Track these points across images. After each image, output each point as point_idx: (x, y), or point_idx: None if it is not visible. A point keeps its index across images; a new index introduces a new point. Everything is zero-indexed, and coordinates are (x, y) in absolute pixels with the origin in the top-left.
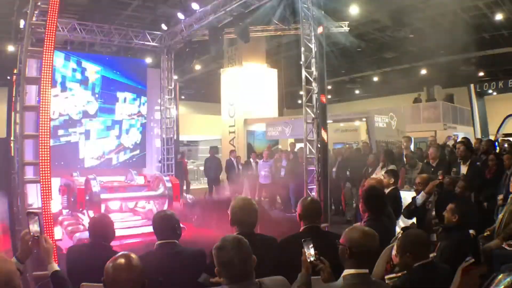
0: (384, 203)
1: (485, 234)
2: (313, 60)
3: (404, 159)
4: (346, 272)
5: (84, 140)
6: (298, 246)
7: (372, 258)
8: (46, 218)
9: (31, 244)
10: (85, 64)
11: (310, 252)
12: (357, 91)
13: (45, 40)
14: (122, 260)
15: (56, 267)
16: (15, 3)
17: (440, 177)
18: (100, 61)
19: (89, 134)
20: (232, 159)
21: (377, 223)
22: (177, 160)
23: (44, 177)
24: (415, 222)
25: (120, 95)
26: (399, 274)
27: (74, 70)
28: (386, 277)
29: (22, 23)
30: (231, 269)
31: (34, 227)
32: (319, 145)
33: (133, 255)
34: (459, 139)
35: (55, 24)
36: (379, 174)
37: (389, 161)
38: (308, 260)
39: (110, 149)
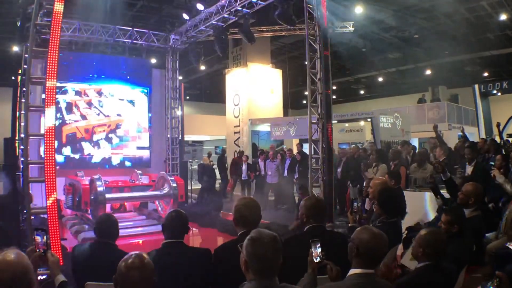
0: (398, 204)
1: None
2: (317, 61)
3: (409, 159)
4: (352, 271)
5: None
6: (301, 246)
7: (378, 259)
8: (51, 217)
9: (38, 260)
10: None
11: (317, 251)
12: (361, 92)
13: (50, 41)
14: (135, 260)
15: (62, 278)
16: (19, 4)
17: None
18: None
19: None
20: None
21: (391, 223)
22: (234, 159)
23: (49, 177)
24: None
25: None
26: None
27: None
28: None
29: (26, 23)
30: (263, 263)
31: (41, 243)
32: (324, 145)
33: (145, 255)
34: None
35: (59, 24)
36: (371, 173)
37: (380, 160)
38: (315, 260)
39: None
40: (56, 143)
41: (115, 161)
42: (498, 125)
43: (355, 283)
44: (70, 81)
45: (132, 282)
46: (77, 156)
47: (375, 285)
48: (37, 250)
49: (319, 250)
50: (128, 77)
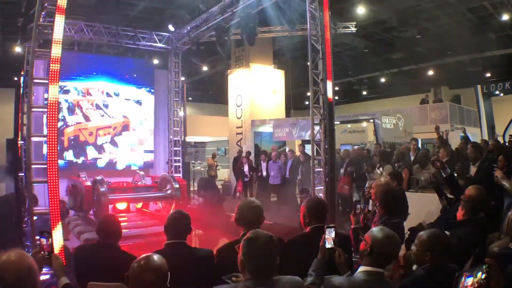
0: (400, 205)
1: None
2: (320, 61)
3: (412, 160)
4: (363, 268)
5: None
6: (305, 247)
7: (390, 260)
8: (54, 219)
9: (43, 262)
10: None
11: (331, 236)
12: (364, 92)
13: (53, 41)
14: (149, 261)
15: (66, 280)
16: (22, 4)
17: None
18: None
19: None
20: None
21: (393, 224)
22: (240, 159)
23: (51, 178)
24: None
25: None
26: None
27: None
28: None
29: (29, 24)
30: (259, 263)
31: (45, 245)
32: (326, 146)
33: (158, 256)
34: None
35: (62, 25)
36: (377, 174)
37: (385, 161)
38: (327, 246)
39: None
40: None
41: (121, 165)
42: (493, 127)
43: (364, 280)
44: (72, 80)
45: (144, 284)
46: (80, 161)
47: (384, 284)
48: (42, 252)
49: (333, 234)
50: (135, 75)
